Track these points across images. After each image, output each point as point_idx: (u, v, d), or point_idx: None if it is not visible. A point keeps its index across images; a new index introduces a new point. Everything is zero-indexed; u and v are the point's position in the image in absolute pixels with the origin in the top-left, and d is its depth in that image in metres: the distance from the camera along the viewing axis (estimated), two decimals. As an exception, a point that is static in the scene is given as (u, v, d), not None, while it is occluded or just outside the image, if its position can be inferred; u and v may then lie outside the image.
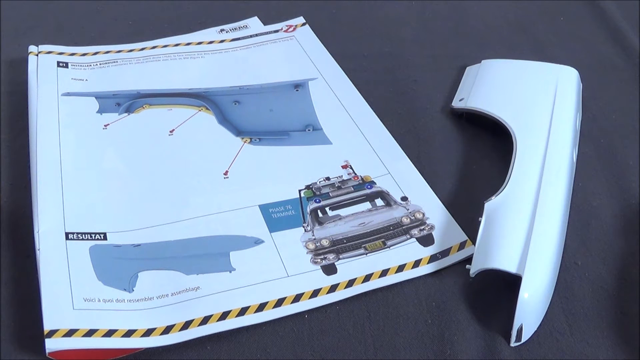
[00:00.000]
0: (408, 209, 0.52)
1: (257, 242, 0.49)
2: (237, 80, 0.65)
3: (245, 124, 0.60)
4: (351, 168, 0.56)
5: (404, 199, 0.53)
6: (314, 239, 0.50)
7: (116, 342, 0.42)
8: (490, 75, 0.63)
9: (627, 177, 0.55)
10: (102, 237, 0.49)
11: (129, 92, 0.63)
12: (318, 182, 0.54)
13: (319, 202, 0.53)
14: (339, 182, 0.54)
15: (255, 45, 0.70)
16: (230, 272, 0.47)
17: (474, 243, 0.47)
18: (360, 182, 0.54)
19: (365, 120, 0.60)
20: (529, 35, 0.72)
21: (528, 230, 0.46)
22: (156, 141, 0.58)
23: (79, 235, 0.48)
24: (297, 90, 0.64)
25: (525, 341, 0.43)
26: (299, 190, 0.54)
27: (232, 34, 0.72)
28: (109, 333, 0.42)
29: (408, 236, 0.50)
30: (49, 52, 0.66)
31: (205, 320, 0.43)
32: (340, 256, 0.48)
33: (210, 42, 0.70)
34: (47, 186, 0.52)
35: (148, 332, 0.43)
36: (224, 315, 0.44)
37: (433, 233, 0.50)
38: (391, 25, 0.74)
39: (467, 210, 0.52)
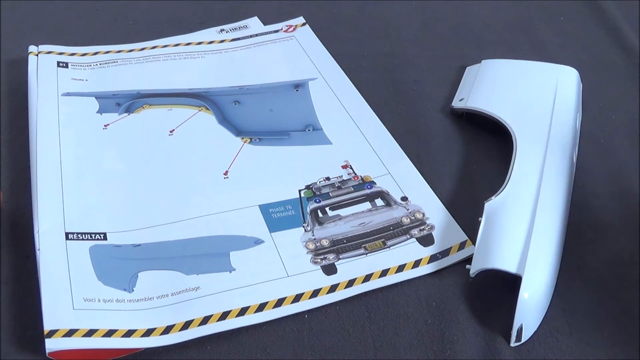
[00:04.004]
0: (408, 209, 0.52)
1: (257, 242, 0.49)
2: (237, 80, 0.65)
3: (245, 124, 0.60)
4: (351, 168, 0.56)
5: (404, 199, 0.53)
6: (314, 239, 0.50)
7: (116, 342, 0.42)
8: (490, 75, 0.63)
9: (627, 177, 0.55)
10: (102, 237, 0.49)
11: (129, 92, 0.63)
12: (318, 182, 0.54)
13: (319, 202, 0.53)
14: (339, 182, 0.54)
15: (255, 45, 0.70)
16: (230, 272, 0.47)
17: (474, 243, 0.47)
18: (360, 182, 0.54)
19: (365, 120, 0.60)
20: (529, 35, 0.72)
21: (528, 230, 0.46)
22: (156, 141, 0.58)
23: (79, 235, 0.48)
24: (297, 90, 0.64)
25: (525, 341, 0.43)
26: (299, 190, 0.54)
27: (232, 34, 0.72)
28: (109, 333, 0.42)
29: (408, 236, 0.50)
30: (49, 52, 0.66)
31: (205, 320, 0.43)
32: (340, 256, 0.48)
33: (210, 42, 0.70)
34: (47, 186, 0.52)
35: (148, 332, 0.43)
36: (224, 315, 0.44)
37: (433, 233, 0.50)
38: (391, 25, 0.74)
39: (467, 210, 0.52)
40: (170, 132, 0.59)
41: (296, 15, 0.74)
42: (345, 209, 0.52)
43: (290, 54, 0.69)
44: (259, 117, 0.61)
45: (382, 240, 0.50)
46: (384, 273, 0.47)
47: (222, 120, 0.60)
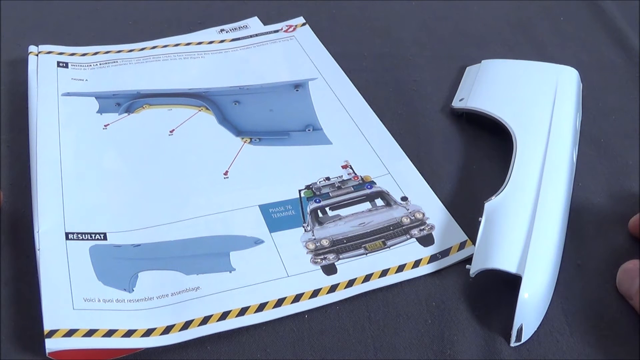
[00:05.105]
0: (408, 209, 0.52)
1: (257, 242, 0.49)
2: (237, 80, 0.65)
3: (245, 124, 0.60)
4: (351, 168, 0.56)
5: (404, 199, 0.53)
6: (314, 239, 0.50)
7: (116, 342, 0.42)
8: (490, 75, 0.63)
9: (627, 177, 0.55)
10: (102, 237, 0.49)
11: (129, 92, 0.63)
12: (318, 182, 0.54)
13: (319, 202, 0.53)
14: (339, 182, 0.54)
15: (255, 46, 0.70)
16: (230, 272, 0.47)
17: (474, 243, 0.47)
18: (360, 182, 0.54)
19: (365, 120, 0.60)
20: (529, 35, 0.72)
21: (528, 230, 0.46)
22: (156, 141, 0.58)
23: (79, 235, 0.48)
24: (297, 90, 0.64)
25: (525, 341, 0.43)
26: (299, 190, 0.54)
27: (232, 34, 0.72)
28: (109, 333, 0.42)
29: (408, 236, 0.50)
30: (49, 52, 0.66)
31: (205, 320, 0.43)
32: (340, 256, 0.48)
33: (210, 42, 0.70)
34: (47, 186, 0.52)
35: (148, 332, 0.43)
36: (224, 315, 0.44)
37: (433, 233, 0.50)
38: (391, 25, 0.74)
39: (467, 210, 0.52)
40: (170, 132, 0.59)
41: (296, 15, 0.74)
42: (345, 209, 0.52)
43: (290, 54, 0.69)
44: (259, 117, 0.61)
45: (382, 240, 0.50)
46: (384, 273, 0.47)
47: (222, 120, 0.60)
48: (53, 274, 0.45)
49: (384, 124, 0.60)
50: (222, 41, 0.71)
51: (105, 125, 0.59)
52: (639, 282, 0.44)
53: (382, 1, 0.77)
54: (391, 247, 0.49)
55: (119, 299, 0.45)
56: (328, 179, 0.55)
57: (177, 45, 0.70)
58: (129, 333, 0.42)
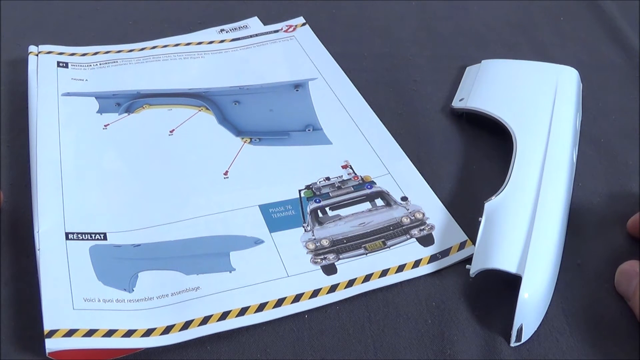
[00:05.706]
0: (408, 209, 0.52)
1: (257, 242, 0.49)
2: (237, 80, 0.65)
3: (245, 124, 0.60)
4: (351, 168, 0.56)
5: (404, 199, 0.53)
6: (314, 239, 0.50)
7: (116, 342, 0.42)
8: (490, 75, 0.63)
9: (627, 177, 0.55)
10: (102, 237, 0.49)
11: (129, 92, 0.63)
12: (318, 182, 0.54)
13: (319, 202, 0.53)
14: (339, 182, 0.54)
15: (255, 45, 0.70)
16: (230, 272, 0.47)
17: (474, 243, 0.47)
18: (360, 182, 0.54)
19: (365, 120, 0.60)
20: (529, 35, 0.72)
21: (528, 230, 0.46)
22: (156, 141, 0.58)
23: (79, 235, 0.48)
24: (297, 90, 0.64)
25: (525, 341, 0.44)
26: (299, 190, 0.54)
27: (232, 34, 0.72)
28: (109, 333, 0.42)
29: (408, 236, 0.50)
30: (49, 52, 0.66)
31: (205, 320, 0.43)
32: (340, 256, 0.48)
33: (210, 42, 0.70)
34: (47, 186, 0.52)
35: (148, 332, 0.43)
36: (224, 315, 0.44)
37: (433, 233, 0.50)
38: (391, 25, 0.74)
39: (467, 210, 0.52)
40: (170, 132, 0.59)
41: (296, 15, 0.74)
42: (345, 209, 0.52)
43: (290, 54, 0.69)
44: (259, 117, 0.61)
45: (382, 240, 0.50)
46: (384, 273, 0.47)
47: (222, 120, 0.60)
48: (53, 274, 0.45)
49: (384, 124, 0.60)
50: (222, 41, 0.71)
51: (105, 125, 0.59)
52: (635, 283, 0.44)
53: (382, 1, 0.77)
54: (391, 247, 0.49)
55: (119, 299, 0.45)
56: (328, 179, 0.55)
57: (177, 45, 0.70)
58: (129, 333, 0.42)
